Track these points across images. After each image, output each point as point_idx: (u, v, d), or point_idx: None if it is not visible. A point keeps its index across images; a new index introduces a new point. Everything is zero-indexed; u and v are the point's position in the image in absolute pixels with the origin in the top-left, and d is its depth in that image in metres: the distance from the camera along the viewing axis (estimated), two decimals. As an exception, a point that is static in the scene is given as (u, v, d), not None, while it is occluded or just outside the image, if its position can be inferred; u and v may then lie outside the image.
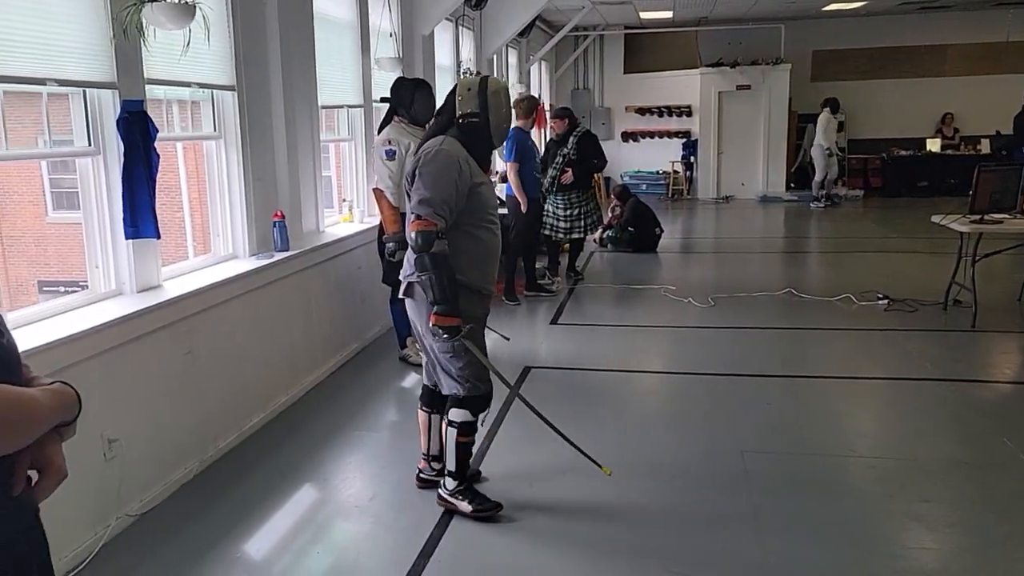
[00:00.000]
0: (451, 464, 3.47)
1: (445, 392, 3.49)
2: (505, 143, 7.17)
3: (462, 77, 3.56)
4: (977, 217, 6.27)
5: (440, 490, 3.53)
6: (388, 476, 3.89)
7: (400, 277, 3.47)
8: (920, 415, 4.58)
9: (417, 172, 3.24)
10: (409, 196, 3.33)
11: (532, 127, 7.29)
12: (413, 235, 3.17)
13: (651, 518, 3.42)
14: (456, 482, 3.48)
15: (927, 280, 7.39)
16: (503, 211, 7.89)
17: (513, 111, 6.57)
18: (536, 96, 8.13)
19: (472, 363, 3.36)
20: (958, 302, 6.60)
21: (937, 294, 6.75)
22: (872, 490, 3.68)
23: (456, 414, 3.43)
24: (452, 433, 3.44)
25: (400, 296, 3.47)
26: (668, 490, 3.68)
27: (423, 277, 3.18)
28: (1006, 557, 3.10)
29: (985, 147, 14.10)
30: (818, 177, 13.35)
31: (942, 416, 4.55)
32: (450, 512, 3.48)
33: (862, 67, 15.06)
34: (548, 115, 8.25)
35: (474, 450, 3.62)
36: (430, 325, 3.22)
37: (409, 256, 3.34)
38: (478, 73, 8.91)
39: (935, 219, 6.67)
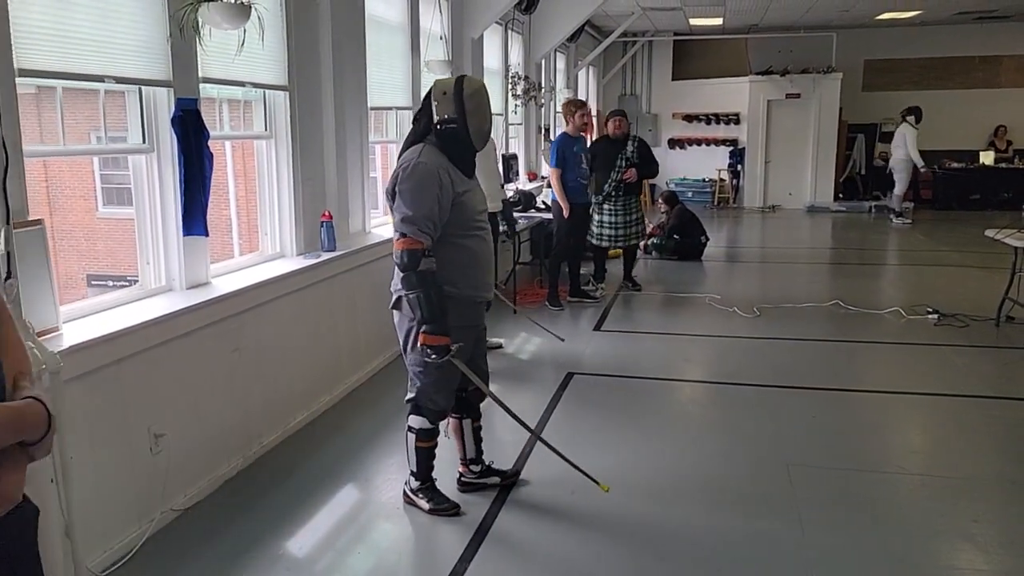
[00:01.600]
0: (413, 465, 3.53)
1: (406, 398, 3.50)
2: (550, 149, 7.16)
3: (438, 79, 3.47)
4: (1033, 232, 6.10)
5: (405, 487, 3.60)
6: (428, 478, 3.88)
7: (391, 288, 3.42)
8: (969, 433, 4.45)
9: (396, 189, 3.17)
10: (391, 212, 3.29)
11: (582, 131, 7.21)
12: (400, 255, 3.13)
13: (693, 531, 3.37)
14: (419, 482, 3.55)
15: (979, 295, 7.20)
16: (547, 216, 7.90)
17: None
18: (578, 98, 8.05)
19: (438, 382, 3.35)
20: (1011, 318, 6.42)
21: (989, 310, 6.57)
22: (921, 508, 3.58)
23: (415, 421, 3.47)
24: (411, 438, 3.48)
25: (390, 308, 3.43)
26: (713, 504, 3.61)
27: (411, 296, 3.14)
28: (1064, 584, 2.99)
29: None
30: (900, 190, 12.64)
31: (992, 434, 4.42)
32: (491, 516, 3.47)
33: (914, 77, 14.77)
34: (595, 117, 8.18)
35: (516, 452, 3.60)
36: (419, 344, 3.20)
37: (396, 271, 3.31)
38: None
39: (989, 233, 6.49)
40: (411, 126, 3.43)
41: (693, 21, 13.43)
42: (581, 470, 3.49)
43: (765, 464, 3.98)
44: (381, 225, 6.05)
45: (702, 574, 3.06)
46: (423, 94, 6.28)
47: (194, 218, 3.69)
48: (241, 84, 4.22)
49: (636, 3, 11.34)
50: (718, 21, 13.42)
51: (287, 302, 4.37)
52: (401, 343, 3.41)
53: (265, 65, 4.39)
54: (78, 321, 3.21)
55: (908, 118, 12.38)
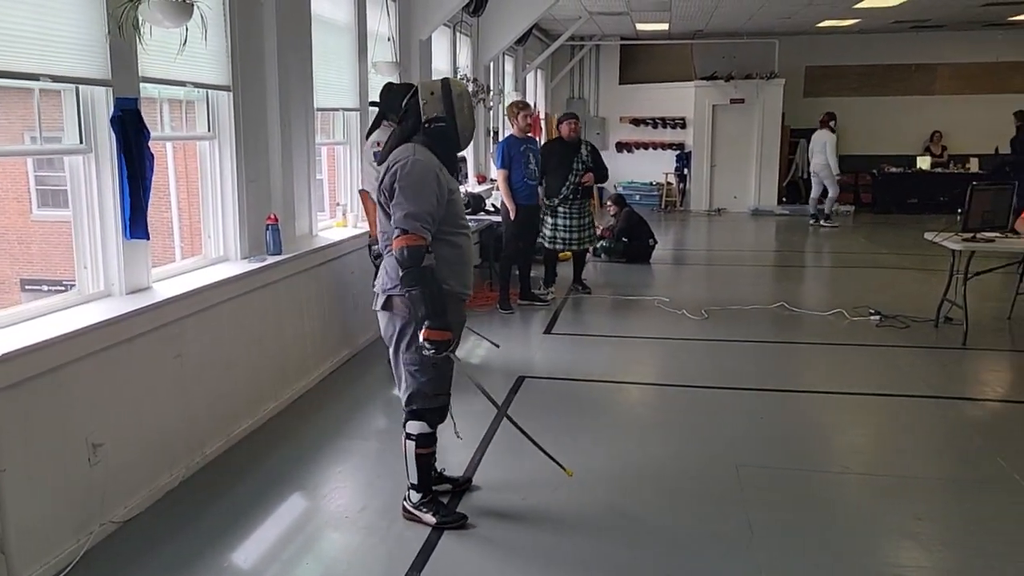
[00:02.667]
0: (413, 477, 3.44)
1: (404, 404, 3.43)
2: (495, 150, 7.15)
3: (422, 80, 3.46)
4: (970, 235, 6.29)
5: (405, 502, 3.49)
6: (379, 486, 3.82)
7: (376, 288, 3.39)
8: (913, 432, 4.56)
9: (397, 186, 3.16)
10: (383, 208, 3.26)
11: (526, 134, 7.25)
12: (401, 251, 3.09)
13: (646, 534, 3.38)
14: (420, 495, 3.45)
15: (918, 297, 7.41)
16: (497, 218, 7.89)
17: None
18: (522, 99, 8.06)
19: (435, 378, 3.33)
20: (949, 319, 6.61)
21: (929, 311, 6.76)
22: (866, 507, 3.65)
23: (413, 427, 3.40)
24: (411, 446, 3.41)
25: (376, 309, 3.39)
26: (663, 505, 3.64)
27: (413, 292, 3.11)
28: (1002, 578, 3.08)
29: (974, 166, 14.19)
30: (834, 193, 12.85)
31: (935, 433, 4.54)
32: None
33: (854, 84, 15.15)
34: (547, 120, 8.20)
35: (467, 458, 3.57)
36: (421, 340, 3.15)
37: (388, 268, 3.28)
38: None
39: (928, 236, 6.68)
40: (397, 125, 3.39)
41: (639, 26, 13.58)
42: (547, 453, 3.50)
43: (714, 465, 4.02)
44: (328, 228, 5.97)
45: (654, 577, 3.07)
46: (371, 96, 6.25)
47: (134, 221, 3.58)
48: (183, 84, 4.11)
49: (583, 7, 11.41)
50: (664, 26, 13.58)
51: (231, 307, 4.27)
52: (392, 344, 3.36)
53: (208, 64, 4.29)
54: (11, 328, 3.09)
55: (830, 123, 12.66)
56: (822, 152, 12.56)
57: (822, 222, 12.85)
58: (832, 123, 12.64)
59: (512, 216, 7.03)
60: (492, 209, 8.68)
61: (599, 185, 8.50)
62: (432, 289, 3.10)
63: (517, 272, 7.38)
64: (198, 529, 3.41)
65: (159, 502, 3.61)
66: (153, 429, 3.63)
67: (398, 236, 3.11)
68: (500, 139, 10.74)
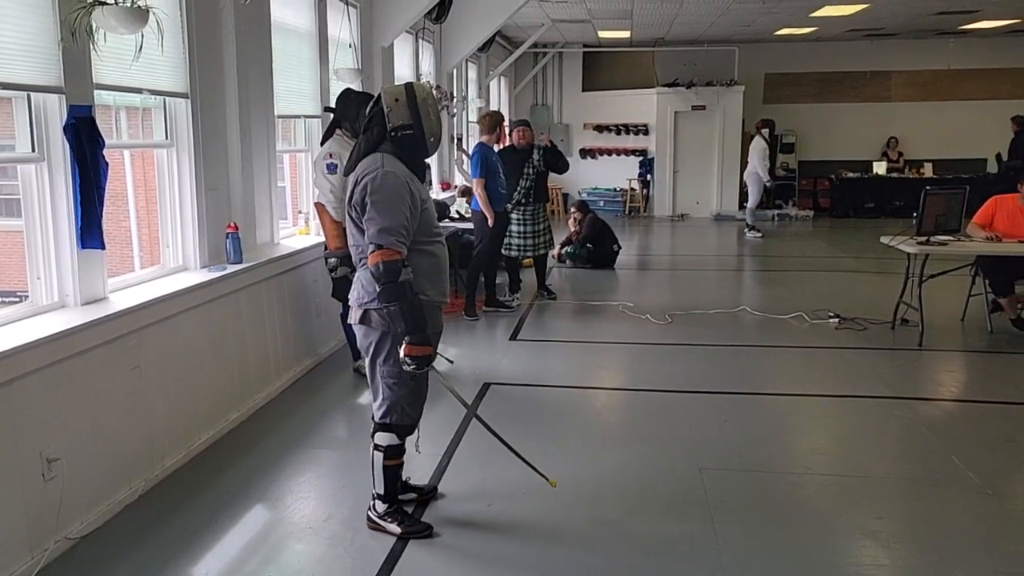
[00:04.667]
0: (379, 487, 3.41)
1: (378, 416, 3.40)
2: (471, 159, 7.17)
3: (386, 86, 3.42)
4: (924, 239, 6.42)
5: (370, 512, 3.47)
6: (343, 496, 3.79)
7: (351, 302, 3.34)
8: (872, 432, 4.64)
9: (368, 200, 3.10)
10: (355, 222, 3.21)
11: (496, 142, 7.31)
12: (377, 267, 3.04)
13: (611, 538, 3.39)
14: (386, 505, 3.42)
15: (876, 299, 7.54)
16: (462, 225, 7.88)
17: (478, 126, 6.60)
18: (499, 111, 8.13)
19: (412, 393, 3.33)
20: (905, 321, 6.73)
21: (886, 313, 6.88)
22: (827, 507, 3.70)
23: (382, 438, 3.38)
24: (379, 457, 3.38)
25: (353, 323, 3.34)
26: (628, 509, 3.65)
27: (391, 308, 3.08)
28: (957, 572, 3.13)
29: (928, 171, 14.50)
30: (752, 203, 12.54)
31: (893, 433, 4.62)
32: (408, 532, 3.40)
33: (812, 90, 15.43)
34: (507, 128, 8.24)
35: (433, 467, 3.56)
36: (402, 356, 3.12)
37: (363, 282, 3.24)
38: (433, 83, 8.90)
39: (884, 240, 6.80)
40: (362, 134, 3.30)
41: (602, 33, 13.67)
42: (535, 468, 3.51)
43: (679, 469, 4.05)
44: (291, 236, 5.91)
45: (619, 581, 3.08)
46: (332, 103, 6.22)
47: (89, 230, 3.52)
48: (139, 91, 4.05)
49: (546, 15, 11.47)
50: (626, 34, 13.70)
51: (191, 317, 4.21)
52: (368, 357, 3.32)
53: (165, 71, 4.23)
54: (-40, 341, 3.01)
55: (762, 131, 12.37)
56: (751, 159, 12.33)
57: (746, 229, 12.52)
58: (765, 131, 12.38)
59: (491, 223, 7.05)
60: (456, 216, 8.68)
61: (563, 190, 8.54)
62: (411, 303, 3.07)
63: (483, 279, 7.38)
64: (158, 543, 3.34)
65: (117, 517, 3.54)
66: (111, 442, 3.56)
67: (373, 251, 3.07)
68: (464, 146, 10.80)
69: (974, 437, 4.51)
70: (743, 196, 15.04)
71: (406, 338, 3.09)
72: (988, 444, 4.39)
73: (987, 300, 6.75)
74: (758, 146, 12.26)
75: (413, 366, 3.11)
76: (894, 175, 14.72)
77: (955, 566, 3.18)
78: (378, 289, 3.08)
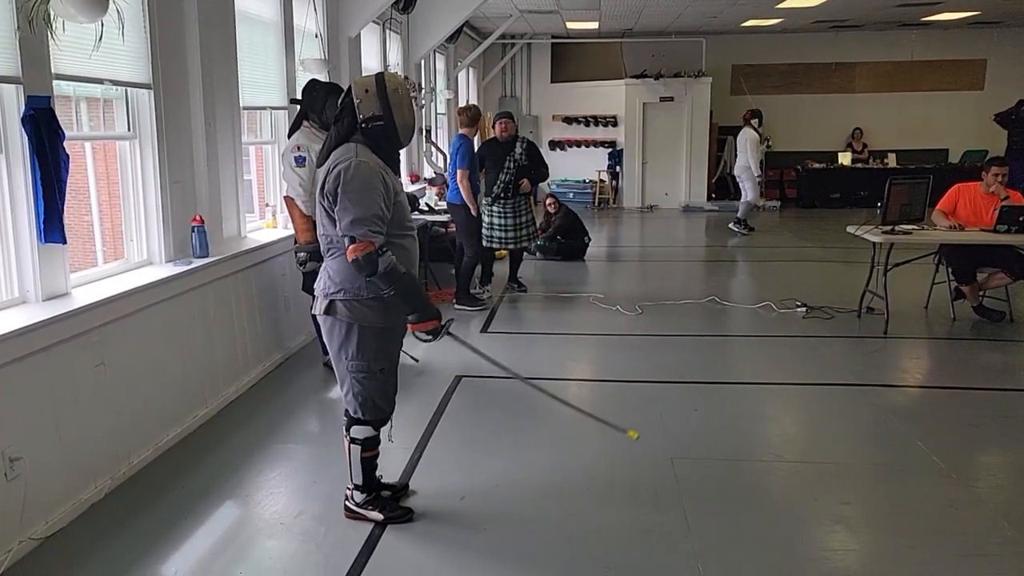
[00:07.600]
0: (357, 479, 3.41)
1: (350, 411, 3.38)
2: (454, 150, 7.13)
3: (356, 77, 3.38)
4: (889, 228, 6.51)
5: (347, 502, 3.46)
6: (315, 491, 3.75)
7: (316, 292, 3.30)
8: (839, 420, 4.70)
9: (341, 191, 3.05)
10: (327, 211, 3.16)
11: (476, 135, 7.29)
12: (356, 260, 3.01)
13: (585, 528, 3.40)
14: (364, 494, 3.42)
15: (842, 288, 7.63)
16: (432, 218, 7.84)
17: (457, 119, 6.58)
18: (477, 106, 8.08)
19: (383, 386, 3.31)
20: (871, 309, 6.83)
21: (852, 302, 6.98)
22: (797, 494, 3.74)
23: (358, 431, 3.36)
24: (356, 450, 3.38)
25: (318, 313, 3.30)
26: (601, 499, 3.66)
27: (386, 295, 3.09)
28: (925, 557, 3.18)
29: (892, 161, 14.71)
30: (752, 197, 11.90)
31: (860, 420, 4.68)
32: (379, 528, 3.39)
33: (778, 82, 15.57)
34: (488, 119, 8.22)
35: (404, 462, 3.54)
36: (414, 334, 3.18)
37: (330, 272, 3.21)
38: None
39: (850, 230, 6.88)
40: (333, 125, 3.25)
41: (570, 24, 13.66)
42: (606, 422, 3.64)
43: (650, 459, 4.06)
44: (258, 229, 5.84)
45: (592, 571, 3.09)
46: (298, 94, 6.14)
47: (49, 224, 3.44)
48: (100, 81, 3.97)
49: (514, 5, 11.43)
50: (594, 25, 13.70)
51: (156, 312, 4.14)
52: (335, 350, 3.28)
53: (126, 61, 4.15)
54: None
55: (752, 121, 11.75)
56: (745, 151, 11.71)
57: (731, 225, 12.03)
58: (755, 120, 11.76)
59: (474, 213, 7.05)
60: (426, 208, 8.63)
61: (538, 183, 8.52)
62: (405, 284, 3.10)
63: (453, 271, 7.36)
64: (125, 542, 3.29)
65: (83, 516, 3.47)
66: (75, 440, 3.49)
67: (348, 246, 3.03)
68: (433, 138, 10.74)
69: (938, 423, 4.59)
70: (711, 188, 15.20)
71: (411, 317, 3.16)
72: (952, 429, 4.48)
73: (950, 288, 6.87)
74: (750, 138, 11.63)
75: (430, 338, 3.20)
76: (859, 165, 14.92)
77: (922, 549, 3.23)
78: (364, 280, 3.08)
